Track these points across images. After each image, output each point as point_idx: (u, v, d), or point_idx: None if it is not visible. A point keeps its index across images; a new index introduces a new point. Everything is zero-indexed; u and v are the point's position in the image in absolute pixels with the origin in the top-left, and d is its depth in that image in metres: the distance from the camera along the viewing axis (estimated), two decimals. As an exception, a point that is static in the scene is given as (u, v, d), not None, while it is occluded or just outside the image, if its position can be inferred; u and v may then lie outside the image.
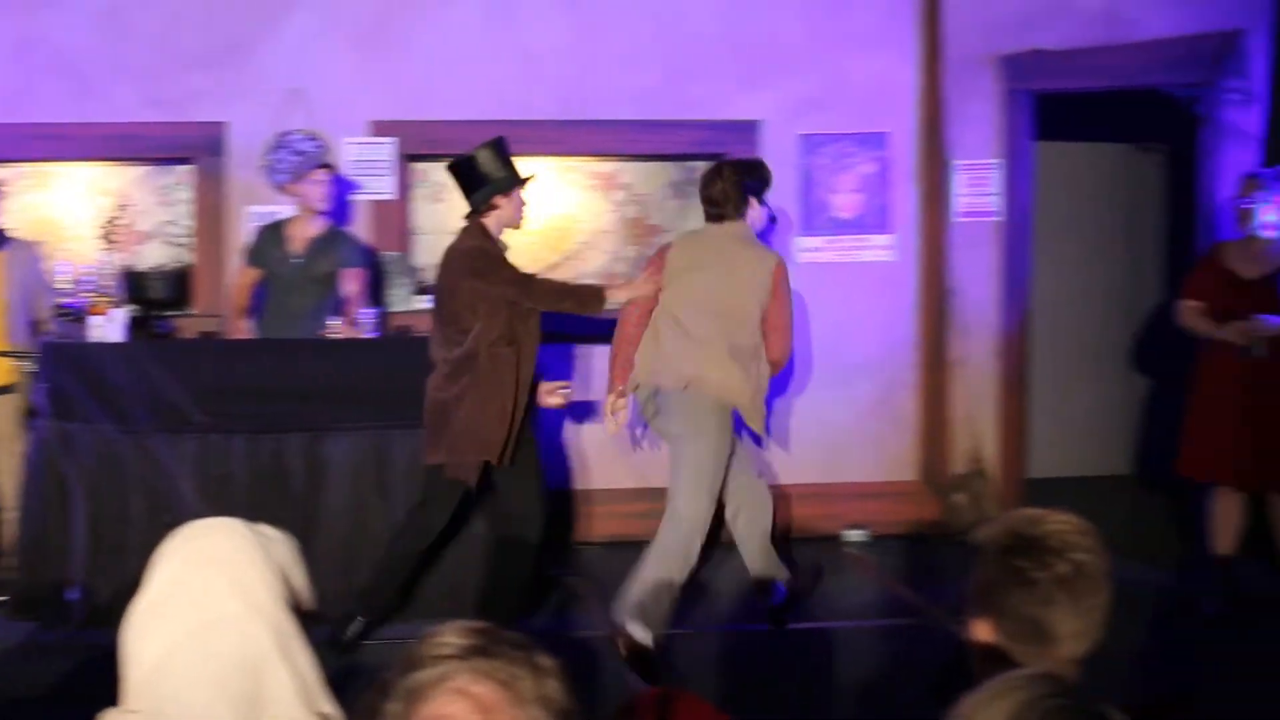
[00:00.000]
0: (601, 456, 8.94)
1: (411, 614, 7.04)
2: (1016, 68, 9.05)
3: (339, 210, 8.09)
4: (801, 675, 6.51)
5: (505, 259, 6.69)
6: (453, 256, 6.71)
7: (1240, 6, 9.00)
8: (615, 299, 6.82)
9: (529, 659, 1.99)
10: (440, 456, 6.70)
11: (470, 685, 1.93)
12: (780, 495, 8.88)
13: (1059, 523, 2.70)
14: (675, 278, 6.79)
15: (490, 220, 6.73)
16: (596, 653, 6.66)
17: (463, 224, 6.84)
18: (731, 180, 6.77)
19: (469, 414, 6.57)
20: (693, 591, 7.58)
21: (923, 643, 6.80)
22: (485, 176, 6.67)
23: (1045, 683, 1.93)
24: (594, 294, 6.82)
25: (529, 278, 6.73)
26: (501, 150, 6.74)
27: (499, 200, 6.70)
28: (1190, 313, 7.42)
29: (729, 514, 6.99)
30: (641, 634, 6.36)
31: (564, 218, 9.48)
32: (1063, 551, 2.64)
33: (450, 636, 2.00)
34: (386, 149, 8.76)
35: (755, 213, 6.80)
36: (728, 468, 6.71)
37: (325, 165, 7.97)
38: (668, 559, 6.47)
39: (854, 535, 9.05)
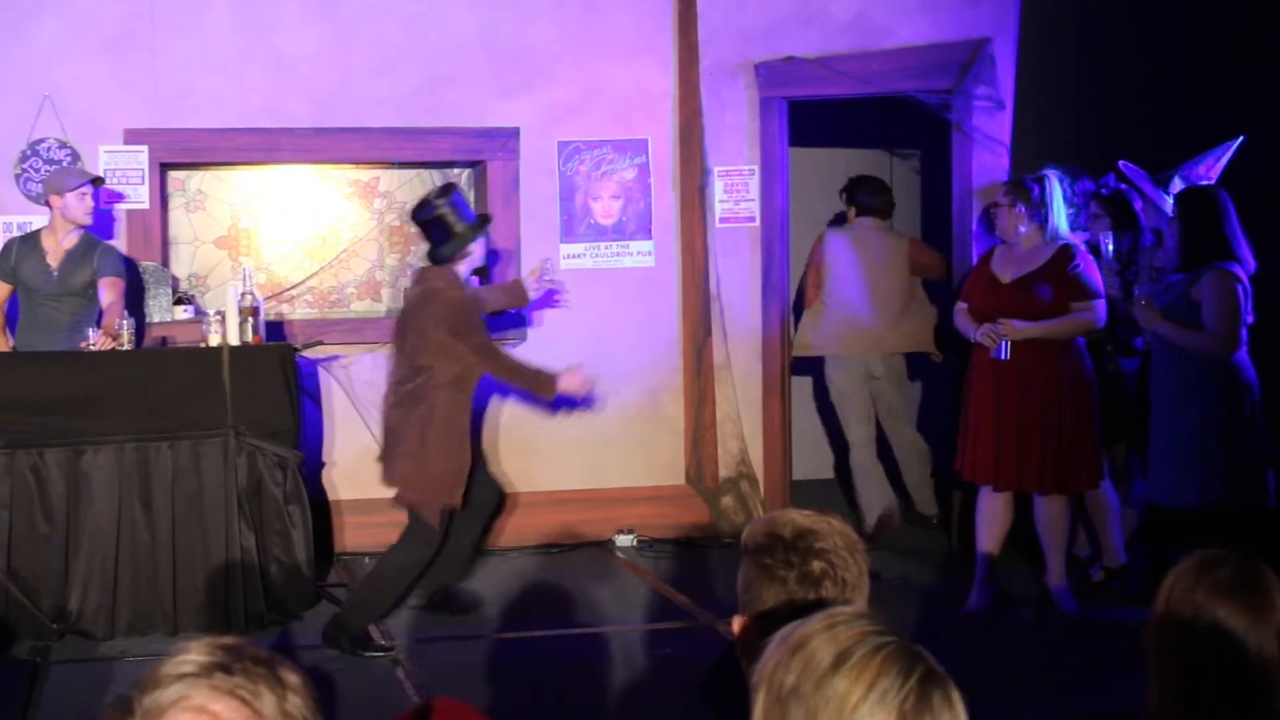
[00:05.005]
0: (355, 468, 9.13)
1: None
2: (770, 75, 9.43)
3: (96, 220, 8.17)
4: (572, 679, 6.73)
5: (480, 322, 7.40)
6: (430, 301, 7.28)
7: (987, 16, 9.49)
8: (562, 389, 7.54)
9: (272, 674, 2.02)
10: (404, 493, 7.31)
11: (210, 702, 1.97)
12: (548, 501, 9.29)
13: (812, 522, 2.82)
14: None
15: (461, 266, 7.36)
16: (368, 664, 6.94)
17: (427, 265, 7.48)
18: None
19: (432, 458, 7.19)
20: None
21: (692, 645, 7.09)
22: (452, 227, 7.28)
23: (873, 620, 2.04)
24: (548, 381, 7.50)
25: (495, 351, 7.46)
26: (460, 197, 7.42)
27: (471, 247, 7.34)
28: (960, 314, 7.72)
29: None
30: None
31: (324, 226, 9.67)
32: (810, 551, 2.77)
33: (193, 653, 2.02)
34: (141, 157, 8.87)
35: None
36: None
37: (96, 179, 8.09)
38: None
39: (623, 540, 9.33)
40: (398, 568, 7.30)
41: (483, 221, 7.52)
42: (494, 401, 9.25)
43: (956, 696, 1.97)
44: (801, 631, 2.02)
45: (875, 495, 9.44)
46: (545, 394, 7.64)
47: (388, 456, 7.38)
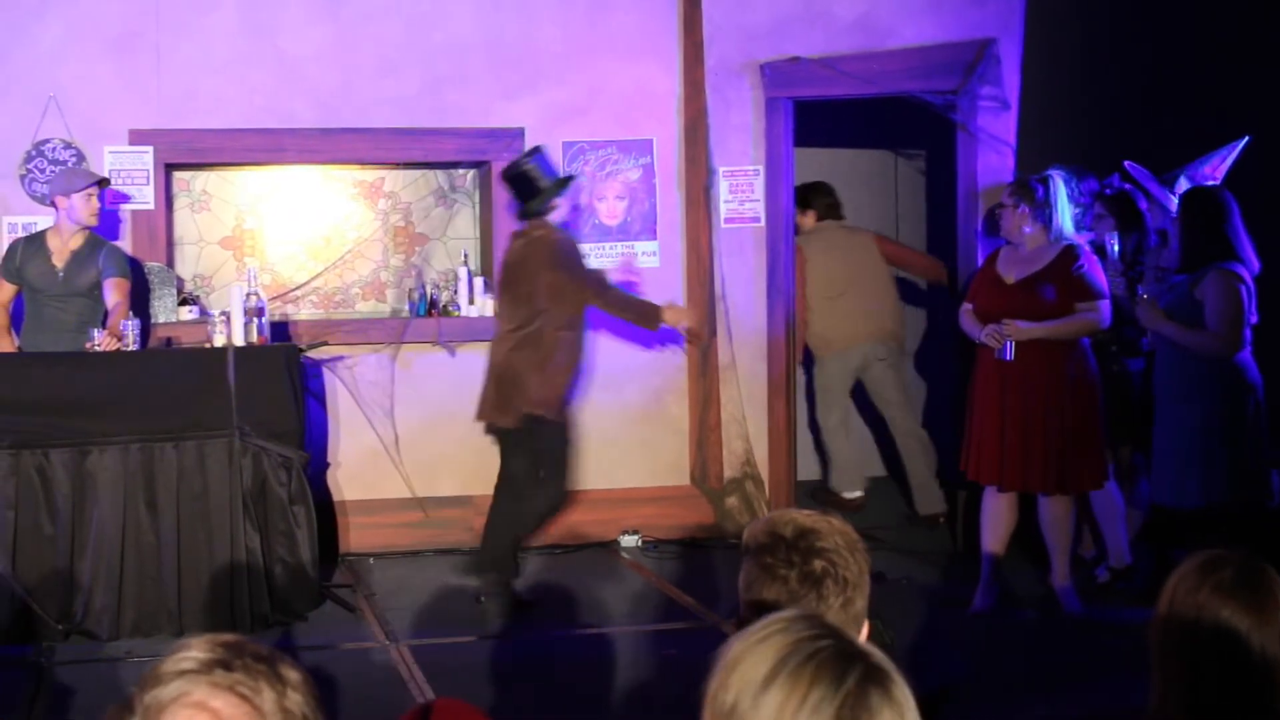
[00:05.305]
0: (360, 468, 9.18)
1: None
2: (776, 75, 9.42)
3: (102, 221, 8.17)
4: (576, 679, 6.75)
5: (583, 258, 7.97)
6: (537, 247, 7.73)
7: (992, 16, 9.49)
8: (665, 320, 8.00)
9: (272, 671, 2.03)
10: (509, 420, 7.76)
11: (210, 699, 1.98)
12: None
13: (813, 522, 2.84)
14: None
15: (553, 218, 7.76)
16: (372, 665, 6.94)
17: (526, 224, 7.82)
18: None
19: (538, 383, 7.65)
20: (462, 599, 8.00)
21: (697, 645, 7.04)
22: (536, 183, 7.69)
23: (808, 623, 2.04)
24: (654, 312, 7.98)
25: (606, 285, 7.98)
26: (544, 158, 7.91)
27: (557, 200, 7.74)
28: (965, 315, 7.72)
29: None
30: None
31: (329, 226, 9.67)
32: (812, 550, 2.79)
33: (193, 650, 2.03)
34: (146, 158, 8.86)
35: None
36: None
37: (103, 181, 8.10)
38: None
39: (627, 540, 9.34)
40: (533, 508, 7.90)
41: (566, 179, 7.90)
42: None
43: (899, 691, 1.97)
44: (736, 649, 2.03)
45: (852, 458, 10.16)
46: (651, 325, 8.11)
47: (500, 393, 7.76)
